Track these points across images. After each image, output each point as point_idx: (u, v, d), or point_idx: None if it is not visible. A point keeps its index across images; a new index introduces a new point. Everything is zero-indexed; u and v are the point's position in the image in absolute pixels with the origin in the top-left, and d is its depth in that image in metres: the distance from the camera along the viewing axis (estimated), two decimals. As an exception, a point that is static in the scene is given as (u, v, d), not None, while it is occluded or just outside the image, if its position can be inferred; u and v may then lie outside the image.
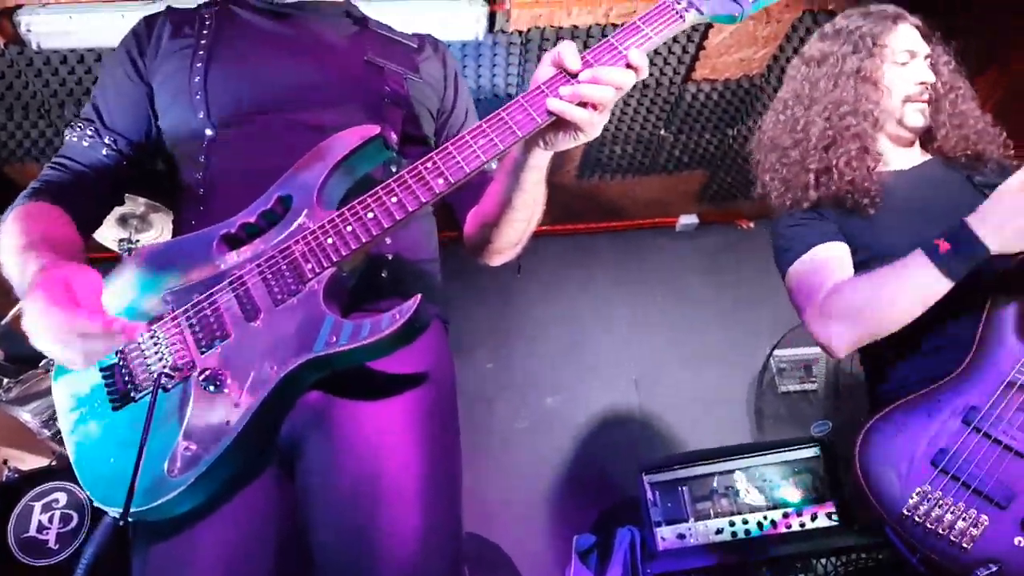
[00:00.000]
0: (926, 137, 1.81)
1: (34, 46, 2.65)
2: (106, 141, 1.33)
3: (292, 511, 1.14)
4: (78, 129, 1.34)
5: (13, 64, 2.82)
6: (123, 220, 3.09)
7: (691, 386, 4.12)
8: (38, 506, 2.17)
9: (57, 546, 2.15)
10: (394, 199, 1.10)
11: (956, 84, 1.80)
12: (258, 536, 1.11)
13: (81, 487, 1.05)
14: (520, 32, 2.91)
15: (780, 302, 4.28)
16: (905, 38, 1.78)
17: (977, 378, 1.44)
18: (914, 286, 1.45)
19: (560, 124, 1.09)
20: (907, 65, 1.76)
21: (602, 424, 4.07)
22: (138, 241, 3.15)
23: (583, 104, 1.06)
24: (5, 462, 2.40)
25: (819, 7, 2.91)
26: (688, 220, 4.52)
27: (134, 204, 3.06)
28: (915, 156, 1.79)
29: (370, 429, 1.13)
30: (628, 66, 1.07)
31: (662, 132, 3.63)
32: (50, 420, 2.25)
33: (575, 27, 2.89)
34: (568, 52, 1.08)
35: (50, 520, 2.17)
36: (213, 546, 1.08)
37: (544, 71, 1.11)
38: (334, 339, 1.04)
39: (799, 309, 1.65)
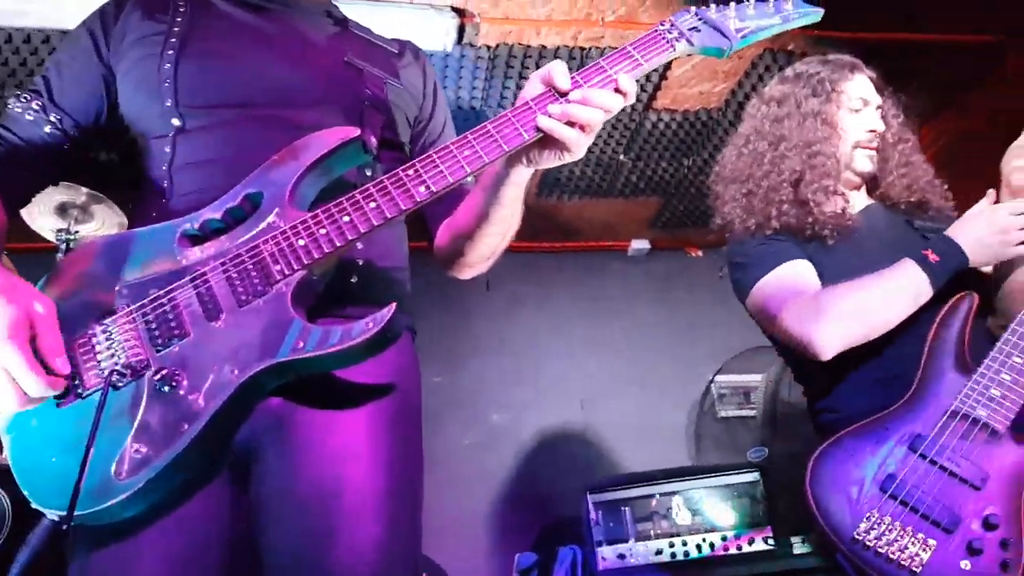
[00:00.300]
0: (871, 183, 1.90)
1: (-15, 23, 2.53)
2: (51, 118, 1.25)
3: (243, 518, 1.10)
4: (23, 101, 1.26)
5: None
6: (62, 209, 2.95)
7: (635, 408, 4.16)
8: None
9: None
10: (372, 204, 1.07)
11: (904, 135, 1.91)
12: (206, 543, 1.07)
13: (19, 487, 0.98)
14: (488, 47, 2.92)
15: (724, 329, 4.42)
16: (860, 87, 1.87)
17: (921, 407, 1.50)
18: (906, 291, 1.58)
19: (546, 142, 1.09)
20: (859, 112, 1.85)
21: (548, 443, 4.07)
22: (77, 233, 3.00)
23: (571, 124, 1.06)
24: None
25: (779, 47, 3.01)
26: (640, 245, 4.59)
27: (75, 193, 2.93)
28: (863, 198, 1.89)
29: (332, 437, 1.09)
30: (616, 91, 1.08)
31: (621, 157, 3.69)
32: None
33: (543, 47, 2.91)
34: (558, 71, 1.08)
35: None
36: (157, 553, 1.03)
37: (533, 87, 1.11)
38: (301, 344, 1.00)
39: (771, 317, 1.68)
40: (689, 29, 1.16)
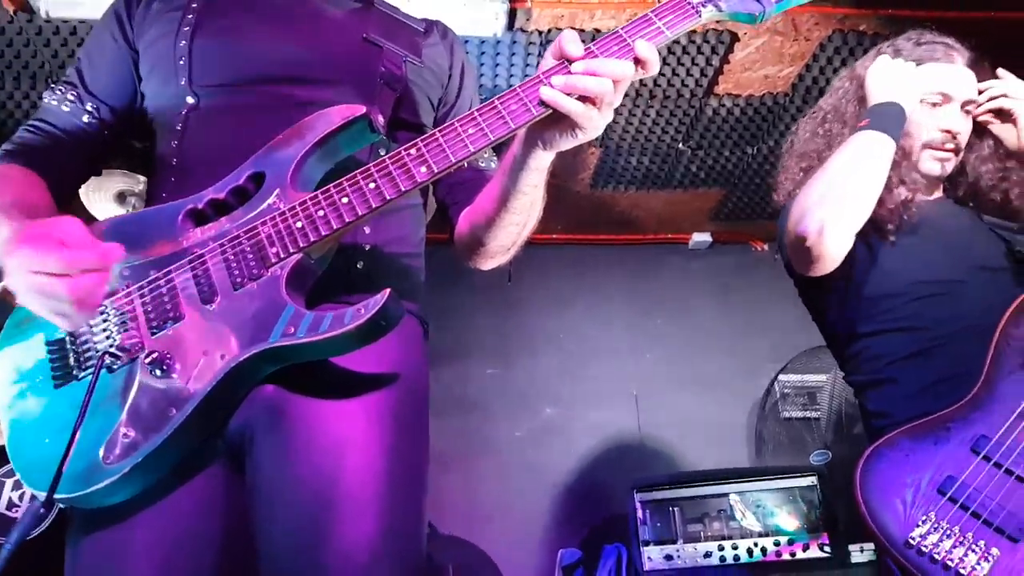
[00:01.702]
0: (951, 182, 1.76)
1: (43, 14, 2.61)
2: (87, 108, 1.26)
3: (239, 508, 1.07)
4: (58, 92, 1.27)
5: (22, 32, 2.79)
6: (122, 197, 3.05)
7: (692, 406, 4.05)
8: (9, 483, 2.12)
9: (26, 523, 2.10)
10: (372, 185, 1.03)
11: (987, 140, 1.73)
12: (200, 532, 1.05)
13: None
14: (540, 32, 2.85)
15: (788, 327, 4.24)
16: (943, 77, 1.69)
17: (987, 407, 1.38)
18: (862, 151, 1.57)
19: (558, 120, 1.01)
20: (937, 107, 1.68)
21: (599, 438, 4.00)
22: (132, 219, 3.10)
23: (582, 99, 0.98)
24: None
25: (850, 27, 2.82)
26: (701, 238, 4.44)
27: (134, 181, 3.02)
28: (933, 188, 1.75)
29: (328, 428, 1.05)
30: (636, 60, 0.99)
31: (680, 146, 3.55)
32: None
33: (596, 30, 2.82)
34: (569, 40, 1.01)
35: (20, 498, 2.11)
36: (150, 540, 1.02)
37: (547, 62, 1.04)
38: (291, 330, 0.97)
39: (785, 238, 1.65)
40: None
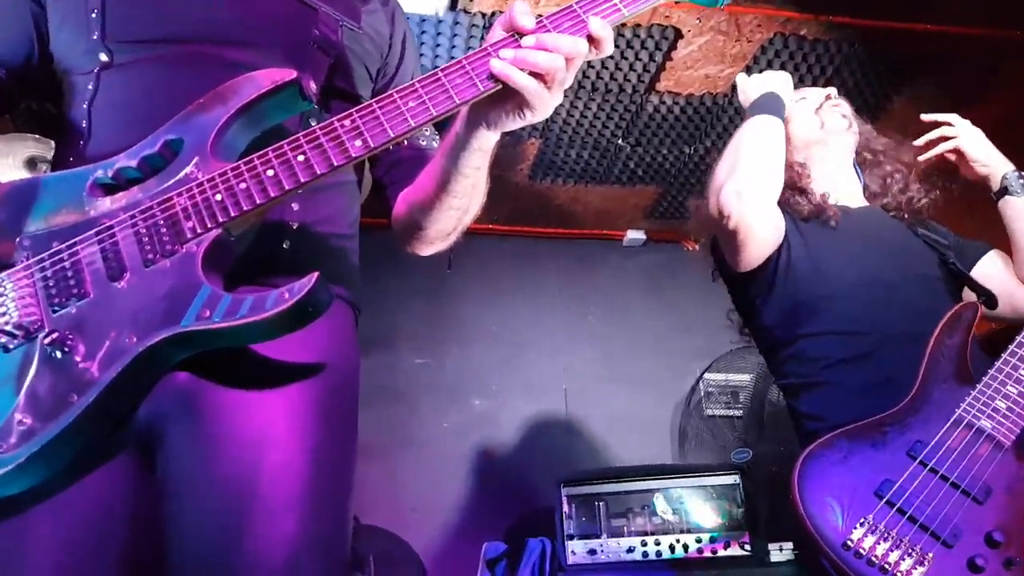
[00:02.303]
0: (867, 193, 1.89)
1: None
2: None
3: (147, 504, 0.98)
4: None
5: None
6: (32, 163, 2.82)
7: (620, 402, 4.08)
8: None
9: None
10: (300, 157, 0.95)
11: (903, 155, 1.91)
12: (103, 529, 0.96)
13: None
14: (483, 14, 2.78)
15: (715, 327, 4.28)
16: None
17: (922, 414, 1.41)
18: (756, 131, 1.71)
19: (505, 98, 0.96)
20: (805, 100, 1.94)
21: (529, 432, 3.99)
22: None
23: (533, 75, 0.93)
24: None
25: (791, 31, 2.86)
26: (636, 235, 4.47)
27: (46, 147, 2.81)
28: (859, 199, 1.86)
29: (247, 421, 0.98)
30: (590, 38, 0.94)
31: (619, 141, 3.55)
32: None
33: (540, 16, 2.77)
34: (520, 11, 0.95)
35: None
36: (48, 536, 0.92)
37: (495, 33, 0.98)
38: (207, 313, 0.88)
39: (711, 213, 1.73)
40: None
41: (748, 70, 3.09)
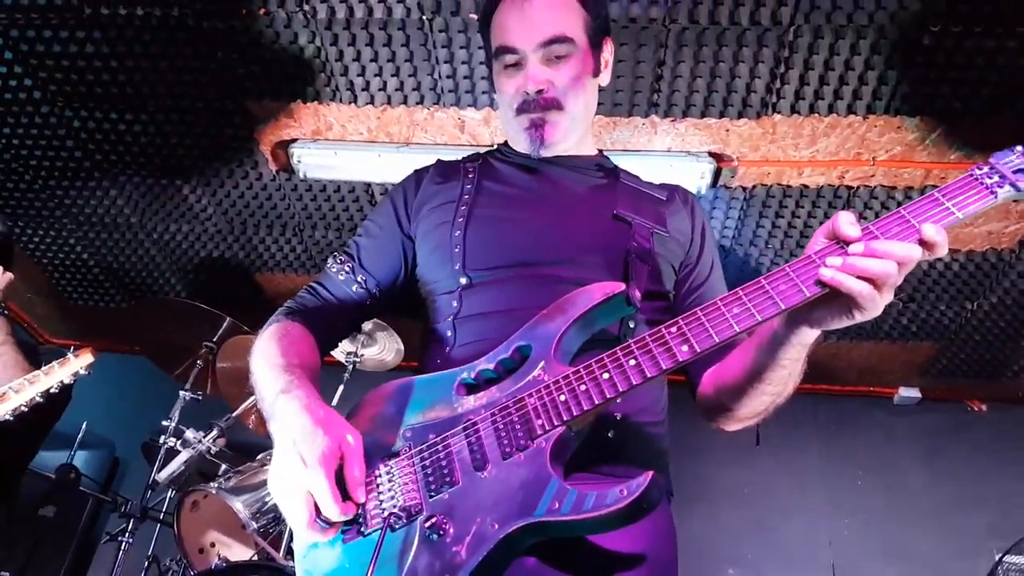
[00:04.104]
0: None
1: (301, 175, 3.03)
2: (358, 279, 1.43)
3: None
4: (337, 263, 1.46)
5: (280, 188, 3.24)
6: (352, 335, 3.34)
7: (900, 584, 3.63)
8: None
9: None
10: (632, 362, 1.06)
11: None
12: None
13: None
14: (744, 187, 2.89)
15: (1011, 500, 3.72)
16: None
17: None
18: None
19: (832, 299, 0.99)
20: None
21: (789, 609, 3.65)
22: (363, 355, 3.39)
23: (861, 279, 0.96)
24: (213, 545, 2.56)
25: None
26: (909, 393, 4.10)
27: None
28: None
29: None
30: (922, 242, 0.96)
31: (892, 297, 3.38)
32: (258, 513, 2.38)
33: (804, 186, 2.82)
34: (844, 220, 0.99)
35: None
36: None
37: (816, 242, 1.03)
38: (556, 506, 0.99)
39: None
40: (1015, 172, 1.01)
41: (1038, 223, 2.86)
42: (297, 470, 1.03)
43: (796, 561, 3.74)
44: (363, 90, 2.69)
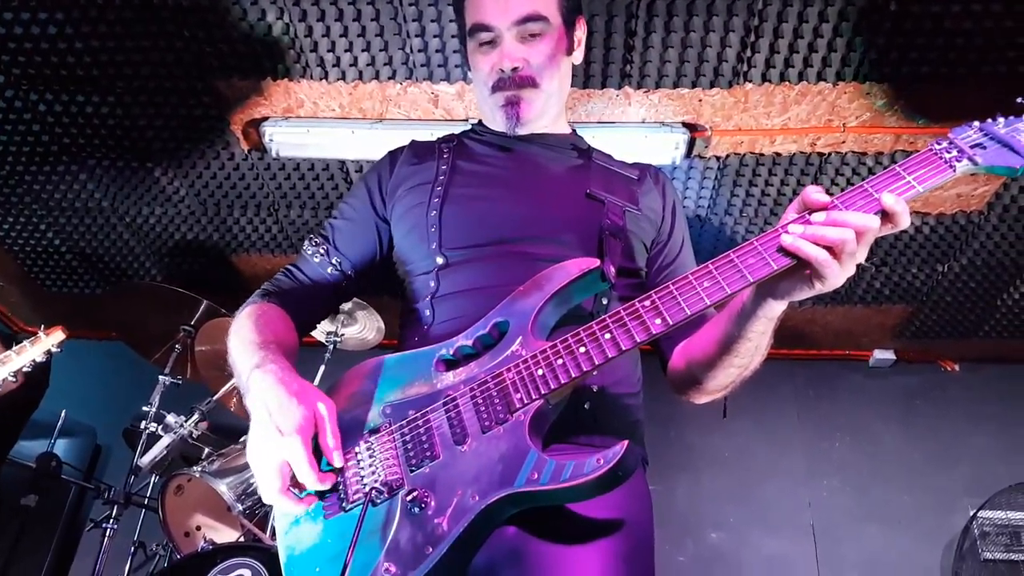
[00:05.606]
0: None
1: (273, 154, 3.00)
2: (333, 261, 1.44)
3: None
4: (312, 245, 1.47)
5: (253, 168, 3.21)
6: (331, 316, 3.34)
7: (876, 544, 3.75)
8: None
9: (232, 620, 2.23)
10: (608, 336, 1.08)
11: None
12: None
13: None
14: (718, 157, 2.91)
15: (986, 457, 3.83)
16: None
17: None
18: None
19: (795, 271, 1.02)
20: None
21: (774, 571, 3.74)
22: (343, 335, 3.39)
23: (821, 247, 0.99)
24: (199, 528, 2.57)
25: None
26: (884, 355, 4.19)
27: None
28: None
29: (567, 570, 1.08)
30: (884, 213, 0.99)
31: (864, 263, 3.44)
32: (243, 495, 2.39)
33: (777, 154, 2.84)
34: (812, 191, 1.03)
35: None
36: None
37: (787, 217, 1.06)
38: (535, 476, 1.01)
39: None
40: (972, 146, 1.04)
41: (1005, 186, 2.91)
42: (274, 439, 1.05)
43: (777, 523, 3.83)
44: (334, 66, 2.66)
